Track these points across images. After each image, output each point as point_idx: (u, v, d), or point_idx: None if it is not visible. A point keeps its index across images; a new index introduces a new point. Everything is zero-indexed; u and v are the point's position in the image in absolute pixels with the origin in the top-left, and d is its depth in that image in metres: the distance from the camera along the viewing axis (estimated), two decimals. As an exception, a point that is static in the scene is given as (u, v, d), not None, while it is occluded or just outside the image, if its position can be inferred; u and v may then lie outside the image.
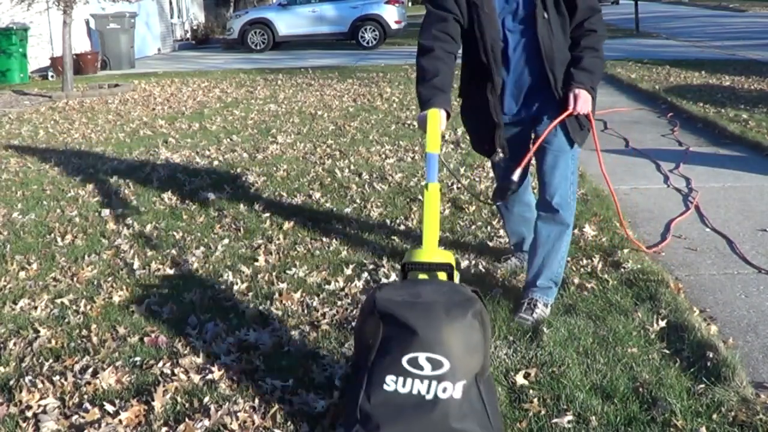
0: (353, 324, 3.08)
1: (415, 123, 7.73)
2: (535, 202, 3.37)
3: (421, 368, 2.12)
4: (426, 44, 2.95)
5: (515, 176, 3.06)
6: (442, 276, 2.41)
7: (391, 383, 2.15)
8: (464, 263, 3.83)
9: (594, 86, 3.00)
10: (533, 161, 3.19)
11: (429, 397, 2.12)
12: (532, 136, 3.19)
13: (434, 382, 2.12)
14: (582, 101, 2.95)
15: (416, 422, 2.12)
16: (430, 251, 2.46)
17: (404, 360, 2.13)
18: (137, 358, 2.97)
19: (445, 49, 2.93)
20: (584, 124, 3.07)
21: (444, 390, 2.11)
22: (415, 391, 2.12)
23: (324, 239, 4.29)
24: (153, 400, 2.61)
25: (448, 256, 2.48)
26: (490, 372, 2.36)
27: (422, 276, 2.43)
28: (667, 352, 2.90)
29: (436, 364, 2.11)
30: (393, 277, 3.65)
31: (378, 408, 2.15)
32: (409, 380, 2.13)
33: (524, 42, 2.99)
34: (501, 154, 3.14)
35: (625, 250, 3.92)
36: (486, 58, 2.98)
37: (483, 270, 3.76)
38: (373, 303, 2.22)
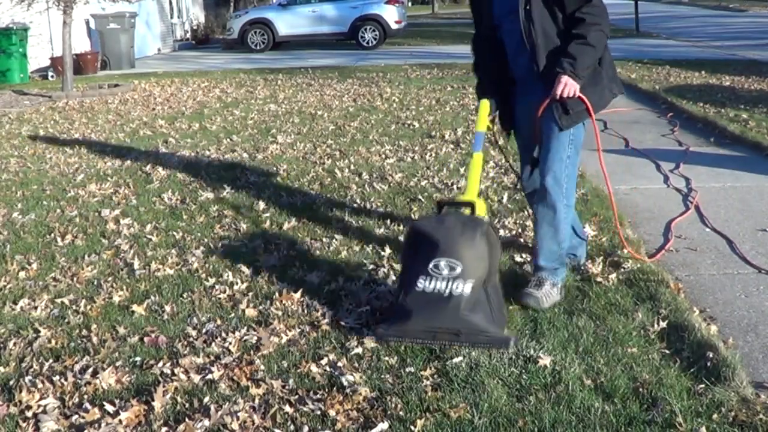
0: (346, 320, 3.17)
1: (414, 124, 7.84)
2: None
3: (441, 270, 2.83)
4: (475, 42, 3.54)
5: (534, 153, 3.38)
6: (466, 211, 3.08)
7: (420, 284, 2.87)
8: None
9: (577, 71, 3.10)
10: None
11: (446, 293, 2.83)
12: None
13: (450, 281, 2.82)
14: (562, 86, 3.11)
15: (436, 311, 2.83)
16: (467, 196, 3.14)
17: (430, 265, 2.85)
18: (137, 358, 2.97)
19: (487, 43, 3.43)
20: (572, 108, 3.18)
21: (457, 287, 2.81)
22: (436, 289, 2.84)
23: (324, 239, 4.29)
24: (153, 400, 2.61)
25: (481, 205, 3.11)
26: (497, 281, 2.98)
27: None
28: (667, 352, 2.90)
29: (452, 267, 2.81)
30: (392, 277, 3.65)
31: (411, 302, 2.89)
32: (432, 280, 2.85)
33: (515, 36, 3.24)
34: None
35: (625, 250, 3.92)
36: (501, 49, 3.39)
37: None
38: (411, 227, 3.10)
